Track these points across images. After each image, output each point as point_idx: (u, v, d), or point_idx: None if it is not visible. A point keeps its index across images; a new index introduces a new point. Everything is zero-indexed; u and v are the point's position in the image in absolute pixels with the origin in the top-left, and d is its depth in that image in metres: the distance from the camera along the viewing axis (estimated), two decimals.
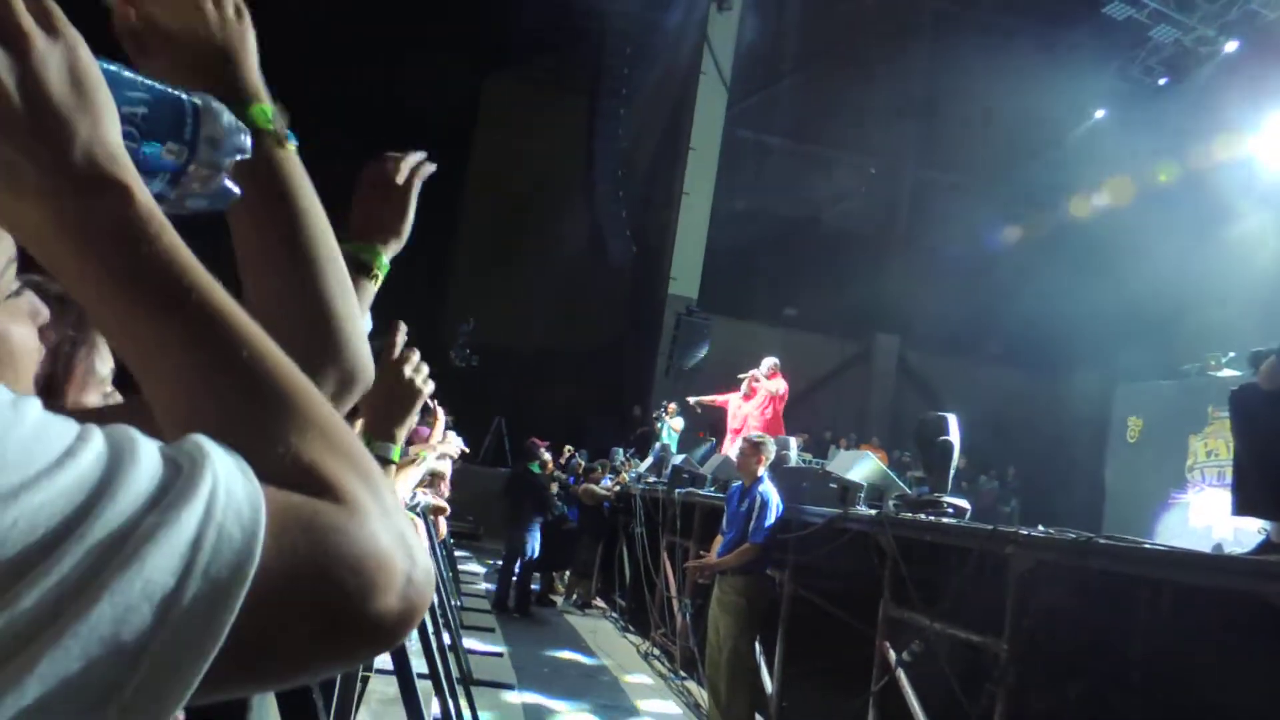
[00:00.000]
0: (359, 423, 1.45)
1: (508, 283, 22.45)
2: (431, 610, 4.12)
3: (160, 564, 0.39)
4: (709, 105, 18.57)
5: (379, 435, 1.36)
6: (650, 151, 20.73)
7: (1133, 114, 16.57)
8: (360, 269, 1.10)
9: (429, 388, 1.43)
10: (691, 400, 11.53)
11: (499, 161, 23.38)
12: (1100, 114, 17.39)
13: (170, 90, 0.59)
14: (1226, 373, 8.42)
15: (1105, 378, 14.88)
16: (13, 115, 0.46)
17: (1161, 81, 15.96)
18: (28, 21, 0.47)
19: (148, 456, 0.42)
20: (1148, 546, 3.01)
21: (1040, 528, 3.71)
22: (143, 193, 0.51)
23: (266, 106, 0.81)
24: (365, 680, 4.29)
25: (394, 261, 1.16)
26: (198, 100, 0.60)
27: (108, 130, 0.50)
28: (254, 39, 0.84)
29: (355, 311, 0.85)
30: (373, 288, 1.13)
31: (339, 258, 0.84)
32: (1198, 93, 14.85)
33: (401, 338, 1.41)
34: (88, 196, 0.49)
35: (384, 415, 1.37)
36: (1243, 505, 2.96)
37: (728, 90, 18.67)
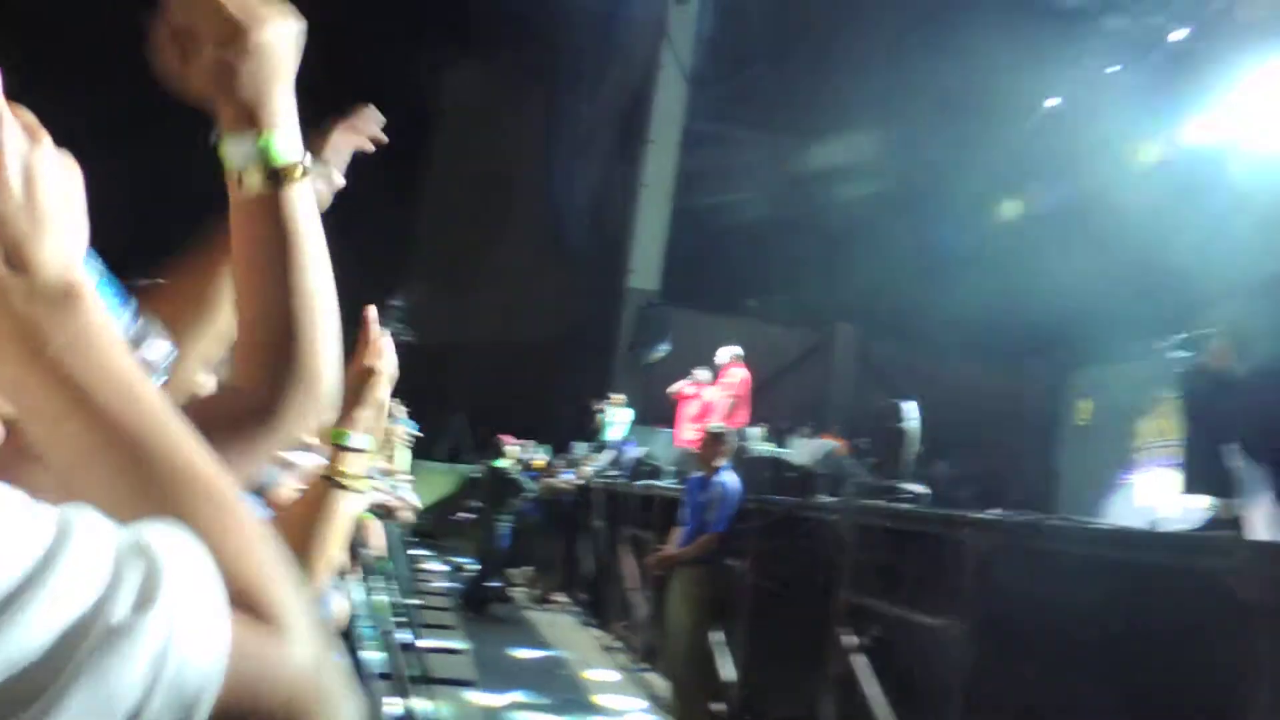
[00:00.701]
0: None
1: (468, 276, 22.31)
2: (389, 609, 4.07)
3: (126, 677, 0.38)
4: (668, 97, 18.54)
5: (343, 424, 1.33)
6: (610, 143, 20.66)
7: (1085, 102, 16.80)
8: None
9: (391, 369, 1.40)
10: (670, 390, 11.43)
11: (458, 152, 23.23)
12: (1053, 102, 17.61)
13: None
14: (1175, 355, 8.58)
15: (1058, 363, 15.12)
16: None
17: (1114, 69, 16.18)
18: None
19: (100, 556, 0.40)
20: (1094, 526, 3.05)
21: (995, 510, 3.75)
22: (98, 302, 0.50)
23: (271, 139, 0.79)
24: None
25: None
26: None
27: (69, 241, 0.50)
28: (288, 62, 0.82)
29: (331, 339, 0.84)
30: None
31: (325, 293, 0.83)
32: (1149, 79, 15.09)
33: (374, 325, 1.38)
34: (47, 303, 0.48)
35: (350, 404, 1.34)
36: (1192, 483, 3.01)
37: (687, 82, 18.66)
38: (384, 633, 3.19)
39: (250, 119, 0.79)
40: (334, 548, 1.26)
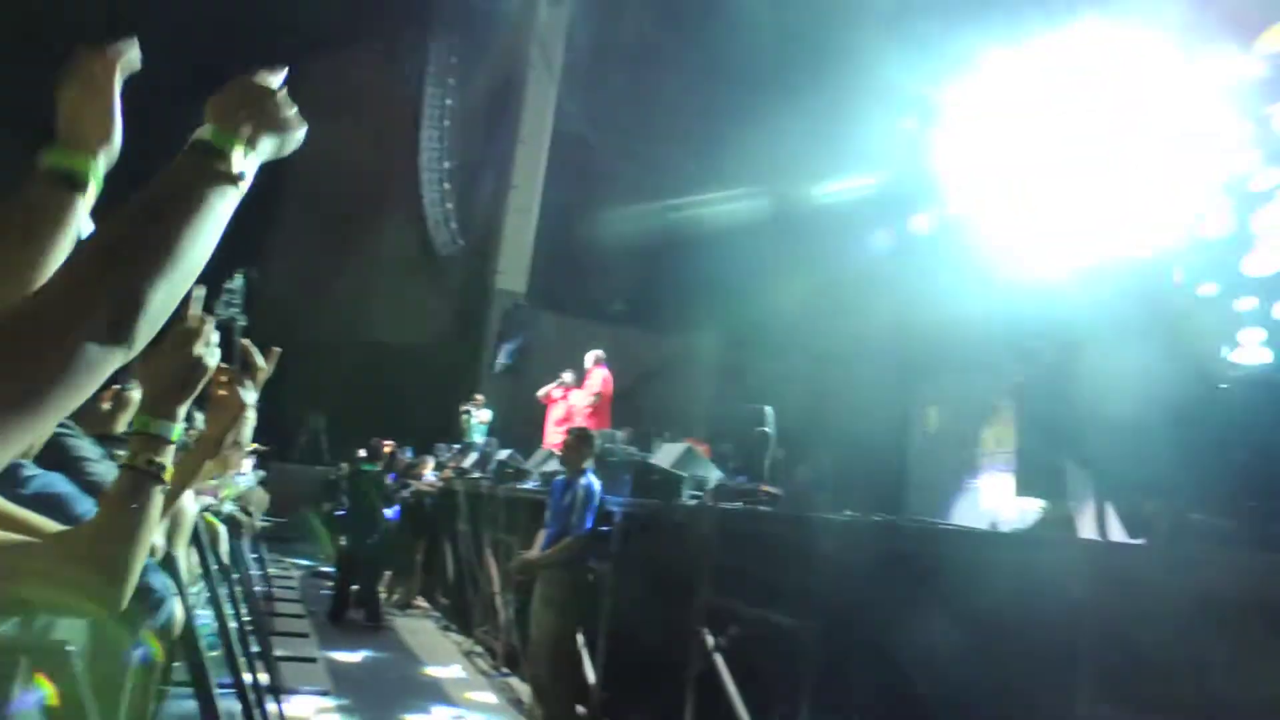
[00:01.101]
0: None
1: (330, 274, 21.64)
2: (233, 617, 3.90)
3: None
4: (538, 98, 18.47)
5: (159, 414, 1.26)
6: (479, 142, 20.43)
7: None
8: (68, 182, 1.10)
9: (214, 362, 1.33)
10: (539, 394, 11.34)
11: (322, 147, 22.49)
12: (910, 123, 18.40)
13: None
14: (1013, 366, 9.10)
15: (908, 372, 15.78)
16: None
17: None
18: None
19: None
20: (938, 526, 3.20)
21: (847, 513, 3.89)
22: None
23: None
24: (161, 694, 4.01)
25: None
26: None
27: None
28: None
29: (162, 304, 0.86)
30: (83, 203, 1.11)
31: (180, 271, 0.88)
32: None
33: (198, 309, 1.32)
34: None
35: (166, 392, 1.27)
36: (1023, 486, 3.20)
37: (557, 84, 18.63)
38: (227, 642, 3.05)
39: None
40: (144, 542, 1.20)
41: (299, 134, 1.06)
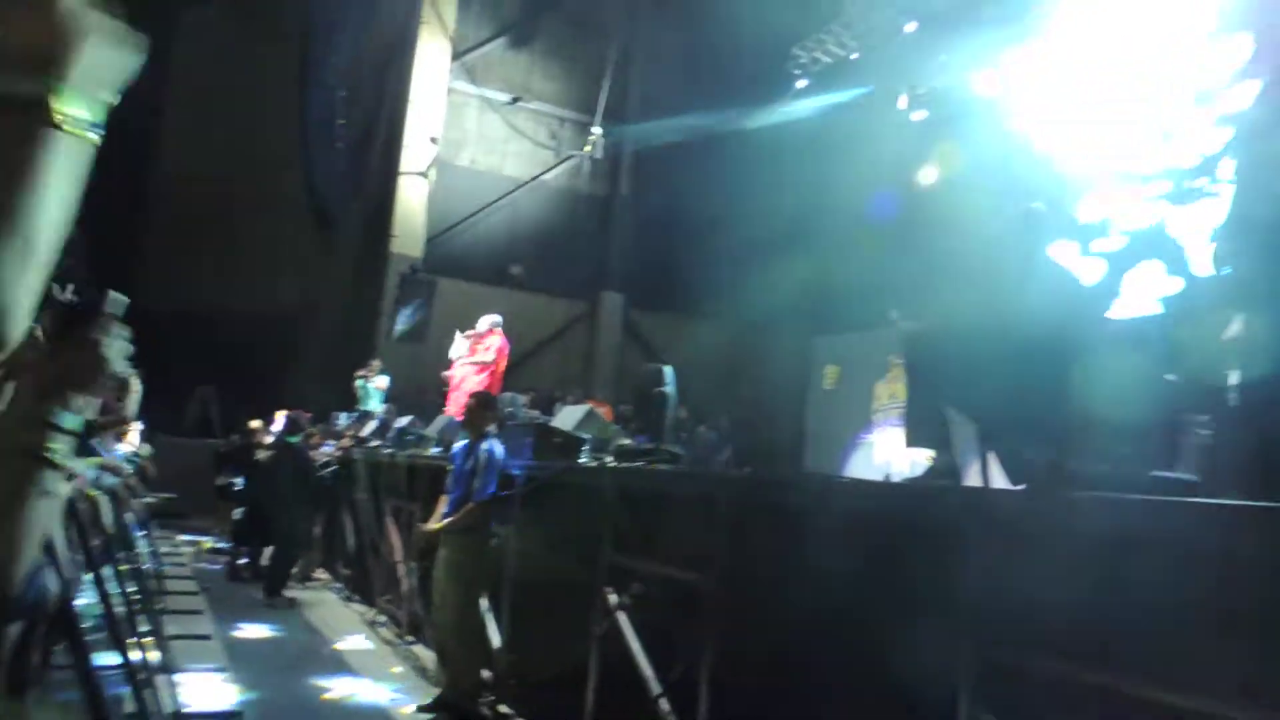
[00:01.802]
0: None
1: (216, 241, 20.80)
2: (120, 596, 3.77)
3: None
4: (430, 57, 17.98)
5: (57, 402, 1.22)
6: (370, 102, 19.81)
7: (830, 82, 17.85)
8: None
9: (117, 362, 1.30)
10: (445, 375, 11.04)
11: (202, 107, 21.53)
12: (802, 84, 18.60)
13: None
14: (905, 324, 9.38)
15: (805, 330, 16.10)
16: None
17: (854, 56, 17.27)
18: None
19: None
20: (830, 479, 3.29)
21: (745, 469, 3.96)
22: None
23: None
24: (42, 677, 3.84)
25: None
26: None
27: None
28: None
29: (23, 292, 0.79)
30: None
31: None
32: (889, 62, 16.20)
33: (111, 307, 1.28)
34: None
35: (64, 382, 1.23)
36: (912, 438, 3.30)
37: (450, 42, 18.17)
38: (112, 621, 2.94)
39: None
40: (37, 526, 1.15)
41: (134, 52, 0.87)
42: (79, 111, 0.83)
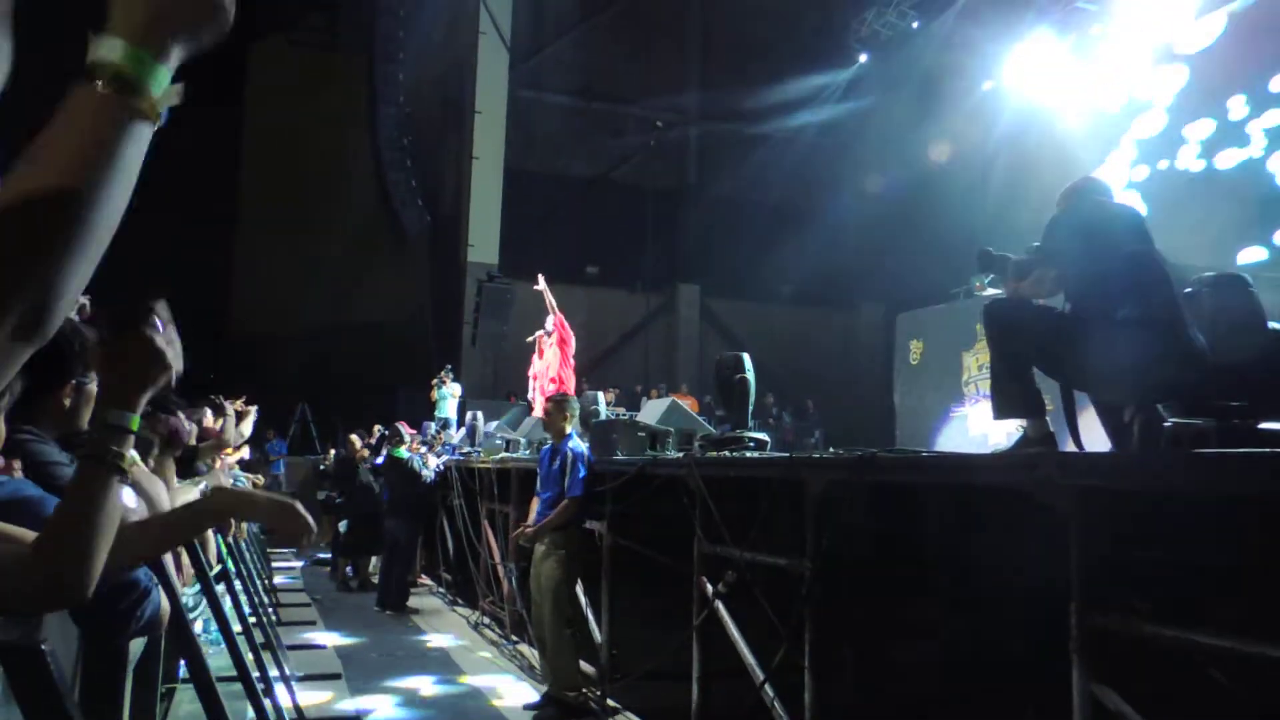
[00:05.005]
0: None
1: (294, 258, 21.43)
2: (232, 611, 3.91)
3: None
4: (491, 66, 18.21)
5: (116, 403, 1.25)
6: (436, 115, 20.16)
7: (892, 56, 17.57)
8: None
9: (179, 363, 1.33)
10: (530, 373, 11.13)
11: (276, 130, 22.22)
12: (863, 58, 18.34)
13: None
14: (990, 292, 9.16)
15: (887, 307, 15.83)
16: None
17: (915, 25, 16.98)
18: None
19: None
20: (922, 455, 3.23)
21: (831, 450, 3.92)
22: None
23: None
24: (171, 692, 4.03)
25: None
26: None
27: None
28: None
29: (79, 285, 0.75)
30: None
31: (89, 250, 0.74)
32: (947, 33, 15.91)
33: (163, 309, 1.31)
34: None
35: (126, 382, 1.27)
36: (1000, 409, 3.22)
37: (509, 50, 18.36)
38: (228, 634, 3.06)
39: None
40: (103, 530, 1.19)
41: (227, 20, 0.80)
42: (167, 97, 0.76)
